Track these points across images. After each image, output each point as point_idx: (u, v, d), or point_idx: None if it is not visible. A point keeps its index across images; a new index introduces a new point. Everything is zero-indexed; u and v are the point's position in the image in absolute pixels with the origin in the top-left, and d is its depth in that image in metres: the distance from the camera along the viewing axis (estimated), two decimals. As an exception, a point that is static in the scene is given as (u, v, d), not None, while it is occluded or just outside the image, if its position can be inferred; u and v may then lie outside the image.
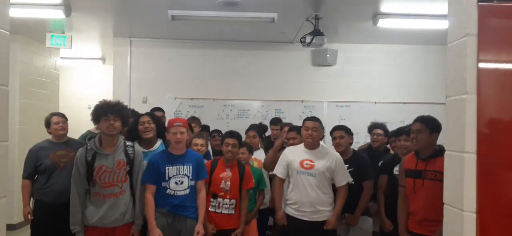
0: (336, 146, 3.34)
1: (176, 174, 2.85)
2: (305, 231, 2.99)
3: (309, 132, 3.04)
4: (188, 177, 2.88)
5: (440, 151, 2.64)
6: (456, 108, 1.58)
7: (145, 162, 2.97)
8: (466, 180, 1.50)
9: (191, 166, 2.89)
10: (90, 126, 3.29)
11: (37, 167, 3.27)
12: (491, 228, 1.48)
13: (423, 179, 2.63)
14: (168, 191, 2.83)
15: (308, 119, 3.16)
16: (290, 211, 3.08)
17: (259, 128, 4.20)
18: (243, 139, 3.98)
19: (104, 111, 2.72)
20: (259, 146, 4.09)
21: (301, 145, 3.17)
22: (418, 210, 2.67)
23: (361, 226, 3.25)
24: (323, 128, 3.20)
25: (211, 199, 3.07)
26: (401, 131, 3.55)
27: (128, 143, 2.89)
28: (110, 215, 2.71)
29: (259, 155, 3.89)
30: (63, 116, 3.44)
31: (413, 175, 2.71)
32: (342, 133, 3.36)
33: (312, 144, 3.07)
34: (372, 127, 4.10)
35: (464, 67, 1.53)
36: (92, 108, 2.83)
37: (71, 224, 2.72)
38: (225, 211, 3.08)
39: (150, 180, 2.83)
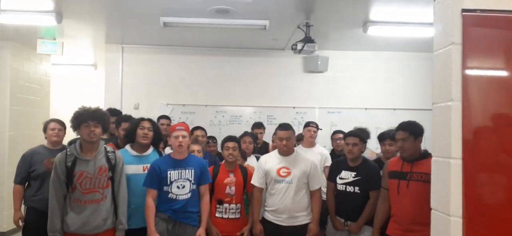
0: (348, 152, 3.24)
1: (178, 178, 2.87)
2: (282, 235, 3.04)
3: (284, 142, 3.07)
4: (190, 181, 2.90)
5: (426, 154, 2.70)
6: (442, 115, 1.62)
7: (133, 167, 2.98)
8: (452, 185, 1.53)
9: (193, 170, 2.91)
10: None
11: (30, 173, 3.25)
12: (477, 232, 1.51)
13: (409, 180, 2.65)
14: (170, 195, 2.85)
15: (280, 128, 3.15)
16: (268, 216, 3.11)
17: (251, 136, 4.22)
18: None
19: (84, 118, 2.69)
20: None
21: (276, 152, 3.19)
22: (401, 213, 2.68)
23: None
24: (294, 132, 3.20)
25: (217, 206, 3.10)
26: (385, 135, 3.55)
27: (109, 148, 2.87)
28: (91, 222, 2.67)
29: (251, 161, 3.90)
30: (61, 123, 3.43)
31: (397, 176, 2.73)
32: (356, 140, 3.21)
33: (287, 152, 3.11)
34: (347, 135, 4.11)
35: (450, 75, 1.57)
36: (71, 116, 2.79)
37: (49, 231, 2.66)
38: (231, 216, 3.13)
39: (152, 185, 2.84)
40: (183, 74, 5.86)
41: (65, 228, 2.68)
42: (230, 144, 3.18)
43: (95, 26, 4.91)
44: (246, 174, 3.24)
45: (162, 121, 4.50)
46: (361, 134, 3.36)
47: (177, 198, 2.85)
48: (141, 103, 5.74)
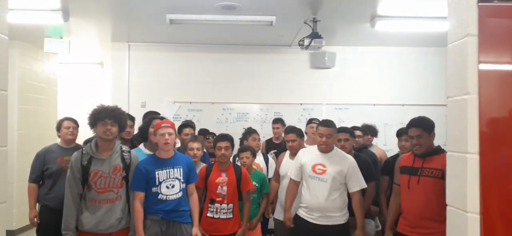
0: (341, 148, 3.27)
1: (167, 178, 2.77)
2: (312, 232, 2.95)
3: (324, 140, 2.98)
4: (179, 180, 2.81)
5: (438, 149, 2.69)
6: (457, 109, 1.58)
7: None
8: (469, 181, 1.49)
9: (181, 169, 2.82)
10: (89, 131, 3.26)
11: (44, 171, 3.28)
12: (495, 229, 1.47)
13: (419, 176, 2.63)
14: (160, 196, 2.75)
15: (322, 124, 3.07)
16: (300, 212, 3.05)
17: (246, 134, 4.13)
18: (241, 143, 3.98)
19: (101, 116, 2.67)
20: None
21: (315, 147, 3.11)
22: (410, 208, 2.67)
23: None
24: (336, 129, 3.11)
25: (209, 205, 3.03)
26: (402, 132, 3.59)
27: (125, 148, 2.84)
28: (105, 221, 2.65)
29: (258, 159, 3.86)
30: (75, 122, 3.44)
31: (408, 172, 2.71)
32: (346, 135, 3.32)
33: (327, 149, 3.02)
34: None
35: (465, 68, 1.52)
36: (89, 113, 2.78)
37: (63, 229, 2.65)
38: (223, 216, 3.04)
39: (138, 187, 2.73)
40: (189, 71, 5.84)
41: (79, 227, 2.68)
42: (222, 144, 3.07)
43: (101, 24, 4.91)
44: (240, 173, 3.13)
45: (186, 130, 3.78)
46: (350, 129, 3.46)
47: (168, 199, 2.75)
48: (148, 101, 5.72)
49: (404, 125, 4.09)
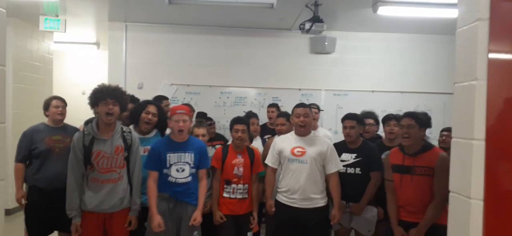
0: (346, 136, 3.28)
1: (177, 162, 2.82)
2: (296, 218, 2.97)
3: (301, 119, 3.01)
4: (189, 164, 2.84)
5: (428, 146, 2.75)
6: (464, 95, 1.55)
7: (141, 148, 2.93)
8: (474, 167, 1.48)
9: (192, 154, 2.86)
10: (84, 111, 3.20)
11: (32, 151, 3.19)
12: (498, 216, 1.46)
13: (412, 174, 2.68)
14: (169, 178, 2.81)
15: (298, 106, 3.13)
16: (281, 198, 3.06)
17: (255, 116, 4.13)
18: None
19: (103, 95, 2.65)
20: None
21: (292, 133, 3.14)
22: (406, 202, 2.74)
23: (365, 216, 3.21)
24: (311, 112, 3.15)
25: (225, 186, 3.09)
26: (390, 117, 3.59)
27: (125, 128, 2.84)
28: (108, 201, 2.67)
29: (256, 143, 3.85)
30: (63, 101, 3.36)
31: (400, 170, 2.76)
32: (353, 122, 3.26)
33: (305, 131, 3.05)
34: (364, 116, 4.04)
35: (475, 53, 1.49)
36: (90, 92, 2.74)
37: (68, 209, 2.67)
38: (239, 196, 3.12)
39: (152, 167, 2.81)
40: (187, 53, 5.76)
41: (82, 207, 2.68)
42: (240, 126, 3.13)
43: (98, 2, 4.82)
44: (253, 155, 3.22)
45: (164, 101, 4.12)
46: (357, 116, 3.38)
47: (177, 181, 2.81)
48: (145, 83, 5.67)
49: (402, 113, 4.15)
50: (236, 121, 3.18)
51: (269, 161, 3.14)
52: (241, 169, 3.11)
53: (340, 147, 3.27)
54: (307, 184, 2.95)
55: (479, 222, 1.47)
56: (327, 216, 3.08)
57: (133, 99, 3.75)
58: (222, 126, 5.38)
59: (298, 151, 3.00)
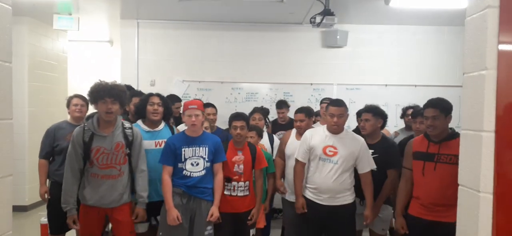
0: (361, 129, 3.20)
1: (192, 156, 2.84)
2: (322, 214, 2.92)
3: (335, 120, 2.89)
4: (204, 158, 2.86)
5: (454, 133, 2.59)
6: (474, 85, 1.51)
7: (145, 142, 2.95)
8: (483, 160, 1.43)
9: (207, 148, 2.87)
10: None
11: (54, 148, 3.31)
12: (508, 210, 1.42)
13: (436, 162, 2.56)
14: (184, 172, 2.83)
15: (332, 104, 2.99)
16: (308, 194, 3.00)
17: (262, 111, 4.12)
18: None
19: (101, 95, 2.64)
20: (264, 129, 4.03)
21: (324, 128, 3.04)
22: (426, 194, 2.60)
23: (380, 215, 3.13)
24: (347, 109, 3.02)
25: (225, 183, 3.04)
26: (417, 113, 3.47)
27: (126, 124, 2.84)
28: (108, 196, 2.69)
29: (263, 139, 3.81)
30: (84, 99, 3.44)
31: (423, 158, 2.63)
32: (368, 115, 3.14)
33: (337, 129, 2.95)
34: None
35: (484, 41, 1.44)
36: (88, 90, 2.75)
37: (63, 202, 2.70)
38: (240, 194, 3.05)
39: (167, 161, 2.83)
40: (199, 50, 5.78)
41: (82, 200, 2.72)
42: (238, 123, 3.05)
43: (110, 0, 4.86)
44: (255, 151, 3.13)
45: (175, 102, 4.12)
46: (375, 109, 3.22)
47: (191, 175, 2.83)
48: (157, 79, 5.72)
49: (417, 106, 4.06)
50: (234, 117, 3.11)
51: (300, 156, 3.07)
52: (241, 166, 3.04)
53: None
54: (336, 185, 2.88)
55: (489, 216, 1.43)
56: (354, 212, 3.00)
57: (129, 88, 3.83)
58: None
59: (330, 151, 2.91)
